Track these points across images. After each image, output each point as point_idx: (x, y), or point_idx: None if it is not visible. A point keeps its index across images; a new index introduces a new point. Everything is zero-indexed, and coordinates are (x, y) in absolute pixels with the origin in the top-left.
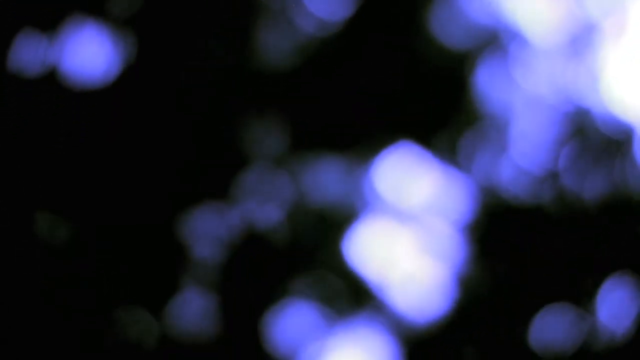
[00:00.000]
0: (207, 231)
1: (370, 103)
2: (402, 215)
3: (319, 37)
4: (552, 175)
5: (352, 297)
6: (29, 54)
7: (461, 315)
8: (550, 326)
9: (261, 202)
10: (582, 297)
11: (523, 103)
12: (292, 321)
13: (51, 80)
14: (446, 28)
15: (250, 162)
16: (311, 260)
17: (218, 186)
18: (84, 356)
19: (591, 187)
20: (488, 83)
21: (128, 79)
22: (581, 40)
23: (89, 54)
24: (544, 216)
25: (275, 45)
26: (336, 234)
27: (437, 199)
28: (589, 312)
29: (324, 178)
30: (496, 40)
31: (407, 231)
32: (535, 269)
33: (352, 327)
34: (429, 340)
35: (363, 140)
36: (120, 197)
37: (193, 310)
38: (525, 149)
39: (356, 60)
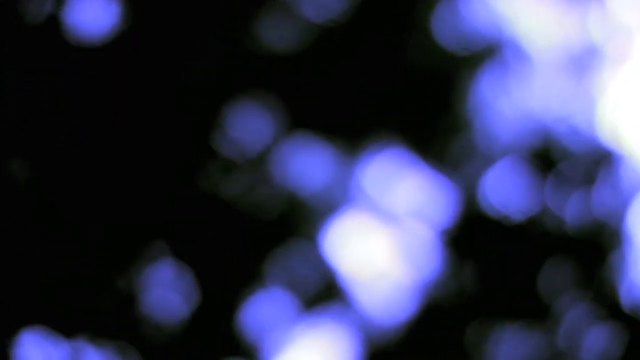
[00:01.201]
0: (188, 207)
1: (364, 98)
2: (382, 214)
3: (321, 27)
4: (532, 192)
5: (321, 289)
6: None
7: (426, 320)
8: (509, 341)
9: (245, 184)
10: (544, 314)
11: (514, 116)
12: (261, 305)
13: (53, 32)
14: (447, 32)
15: (239, 144)
16: (286, 245)
17: (202, 164)
18: (59, 320)
19: (568, 208)
20: (483, 92)
21: (128, 41)
22: (581, 60)
23: (93, 10)
24: (518, 230)
25: (276, 30)
26: (315, 222)
27: (419, 202)
28: (549, 330)
29: (311, 165)
30: (496, 50)
31: (385, 231)
32: (503, 282)
33: (318, 320)
34: (391, 342)
35: (354, 134)
36: (107, 161)
37: (165, 285)
38: (511, 162)
39: (354, 55)
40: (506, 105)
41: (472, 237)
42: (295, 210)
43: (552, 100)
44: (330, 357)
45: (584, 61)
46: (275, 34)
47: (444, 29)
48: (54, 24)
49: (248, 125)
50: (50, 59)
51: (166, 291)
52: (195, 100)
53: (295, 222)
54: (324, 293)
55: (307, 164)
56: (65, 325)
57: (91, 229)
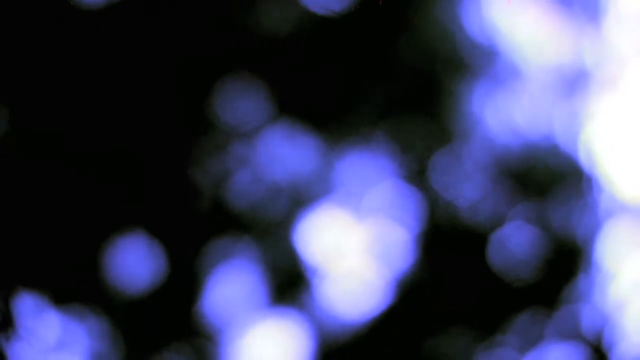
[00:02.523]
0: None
1: (352, 94)
2: (358, 210)
3: (320, 17)
4: (505, 203)
5: (288, 279)
6: None
7: (390, 319)
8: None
9: (227, 165)
10: (496, 323)
11: (497, 126)
12: (226, 288)
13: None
14: (443, 37)
15: (225, 125)
16: (259, 231)
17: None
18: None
19: (538, 222)
20: (470, 99)
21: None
22: (571, 81)
23: None
24: (485, 239)
25: (274, 16)
26: (291, 211)
27: (394, 202)
28: (501, 339)
29: (294, 154)
30: (488, 61)
31: (359, 227)
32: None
33: (281, 309)
34: (351, 338)
35: (338, 128)
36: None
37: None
38: (488, 172)
39: (348, 50)
40: (491, 115)
41: (441, 242)
42: (272, 197)
43: (537, 116)
44: (286, 348)
45: (574, 82)
46: (273, 20)
47: (440, 33)
48: None
49: (236, 106)
50: (52, 21)
51: (135, 262)
52: (187, 76)
53: (270, 209)
54: (290, 283)
55: (290, 151)
56: (31, 284)
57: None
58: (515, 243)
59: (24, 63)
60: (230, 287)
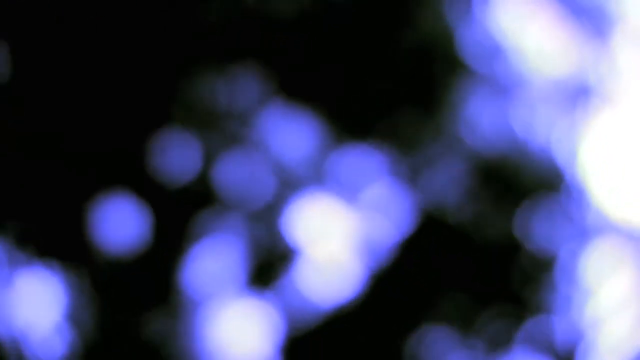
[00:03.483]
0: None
1: (352, 83)
2: (348, 200)
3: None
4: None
5: (269, 260)
6: None
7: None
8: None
9: (222, 142)
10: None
11: (491, 131)
12: (206, 263)
13: None
14: (447, 36)
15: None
16: (247, 208)
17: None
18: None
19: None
20: (468, 102)
21: None
22: (572, 94)
23: None
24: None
25: None
26: (281, 193)
27: (384, 197)
28: (472, 335)
29: (290, 136)
30: (490, 64)
31: (346, 217)
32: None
33: (258, 288)
34: (323, 324)
35: (338, 116)
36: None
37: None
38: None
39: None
40: (487, 119)
41: (425, 239)
42: (263, 177)
43: (532, 125)
44: (257, 327)
45: (574, 95)
46: (275, 2)
47: (442, 31)
48: None
49: (235, 85)
50: None
51: (120, 225)
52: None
53: (260, 189)
54: (270, 264)
55: (286, 135)
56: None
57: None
58: (494, 247)
59: None
60: (211, 261)
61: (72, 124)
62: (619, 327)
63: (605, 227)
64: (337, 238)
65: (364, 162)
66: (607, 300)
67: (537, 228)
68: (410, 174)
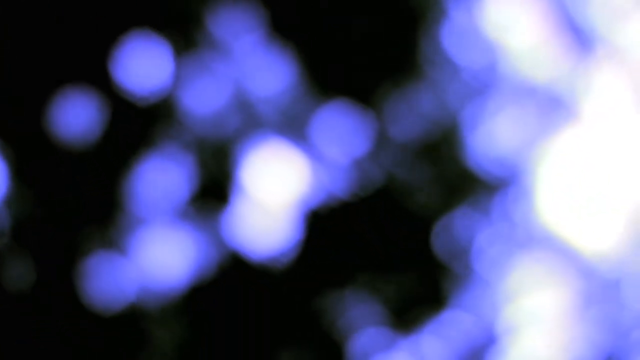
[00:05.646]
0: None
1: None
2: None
3: None
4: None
5: (213, 192)
6: None
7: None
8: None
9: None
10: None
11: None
12: (154, 178)
13: None
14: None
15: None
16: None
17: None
18: None
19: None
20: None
21: None
22: (547, 104)
23: None
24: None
25: None
26: (243, 131)
27: (342, 155)
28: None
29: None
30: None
31: (298, 164)
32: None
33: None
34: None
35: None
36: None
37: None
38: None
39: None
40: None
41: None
42: (230, 112)
43: (497, 127)
44: (188, 257)
45: (544, 102)
46: None
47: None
48: None
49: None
50: None
51: (78, 119)
52: None
53: (224, 123)
54: (213, 197)
55: (262, 71)
56: None
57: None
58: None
59: None
60: (156, 180)
61: (44, 20)
62: (535, 340)
63: (542, 239)
64: (285, 187)
65: (331, 117)
66: (527, 310)
67: (473, 223)
68: (373, 138)
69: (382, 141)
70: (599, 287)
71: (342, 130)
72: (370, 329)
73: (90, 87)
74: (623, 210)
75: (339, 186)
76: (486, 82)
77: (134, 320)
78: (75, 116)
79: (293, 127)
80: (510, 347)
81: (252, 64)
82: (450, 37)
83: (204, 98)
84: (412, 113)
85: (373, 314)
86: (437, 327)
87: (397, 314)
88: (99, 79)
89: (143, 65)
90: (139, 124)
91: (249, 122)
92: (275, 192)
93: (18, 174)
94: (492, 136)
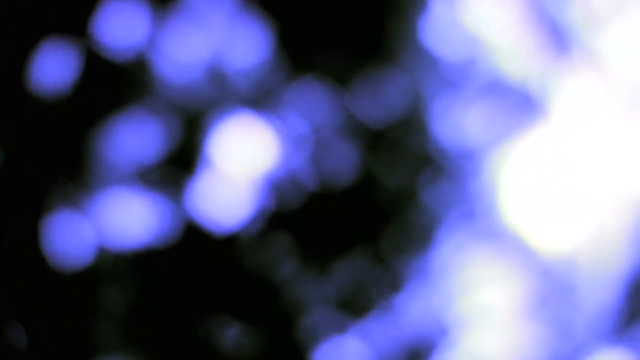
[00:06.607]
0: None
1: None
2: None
3: None
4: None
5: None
6: None
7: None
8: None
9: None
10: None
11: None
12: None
13: None
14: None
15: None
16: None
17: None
18: None
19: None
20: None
21: None
22: (516, 101)
23: None
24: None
25: None
26: (215, 102)
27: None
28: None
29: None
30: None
31: (267, 142)
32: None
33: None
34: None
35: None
36: None
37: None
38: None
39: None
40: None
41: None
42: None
43: (463, 120)
44: (150, 221)
45: (516, 100)
46: None
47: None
48: None
49: None
50: None
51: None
52: None
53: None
54: (178, 166)
55: (239, 42)
56: None
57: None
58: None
59: None
60: (124, 143)
61: None
62: (485, 335)
63: (500, 235)
64: (251, 160)
65: (302, 94)
66: (480, 305)
67: (431, 213)
68: (340, 117)
69: (348, 121)
70: (554, 288)
71: (312, 108)
72: (320, 309)
73: (69, 42)
74: (585, 213)
75: (304, 163)
76: (459, 74)
77: (87, 279)
78: (51, 69)
79: (264, 101)
80: (459, 340)
81: (228, 35)
82: (429, 27)
83: (179, 66)
84: (381, 97)
85: (324, 295)
86: (387, 314)
87: (348, 297)
88: (78, 35)
89: (121, 27)
90: (113, 84)
91: (221, 93)
92: (240, 165)
93: None
94: (459, 128)
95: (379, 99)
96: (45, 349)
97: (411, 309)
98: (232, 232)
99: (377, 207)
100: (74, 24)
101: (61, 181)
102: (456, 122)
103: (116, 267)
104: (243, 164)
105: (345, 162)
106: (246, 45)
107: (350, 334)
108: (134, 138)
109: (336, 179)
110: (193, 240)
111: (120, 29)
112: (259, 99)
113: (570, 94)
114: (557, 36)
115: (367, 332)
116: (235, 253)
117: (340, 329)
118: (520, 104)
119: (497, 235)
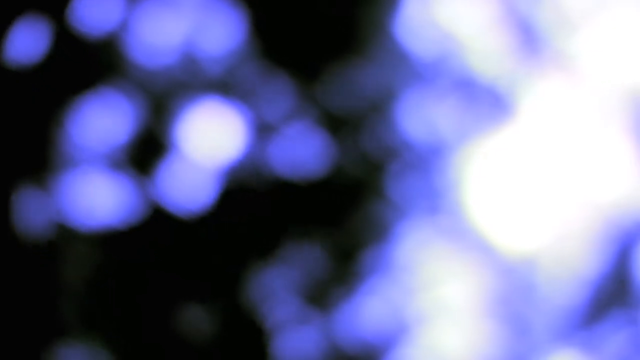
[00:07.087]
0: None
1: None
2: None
3: None
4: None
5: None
6: None
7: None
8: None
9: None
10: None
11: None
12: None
13: None
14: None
15: None
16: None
17: None
18: None
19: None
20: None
21: None
22: (486, 100)
23: None
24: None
25: None
26: (186, 86)
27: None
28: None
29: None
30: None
31: (234, 130)
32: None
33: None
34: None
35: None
36: None
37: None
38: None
39: None
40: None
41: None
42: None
43: (433, 118)
44: (120, 205)
45: (486, 98)
46: None
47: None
48: None
49: None
50: None
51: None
52: None
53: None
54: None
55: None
56: None
57: None
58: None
59: None
60: (93, 123)
61: None
62: (444, 331)
63: (463, 232)
64: (216, 146)
65: (272, 83)
66: (440, 301)
67: (393, 207)
68: (306, 107)
69: (316, 111)
70: (514, 287)
71: (280, 96)
72: (279, 299)
73: (42, 19)
74: (548, 215)
75: (270, 151)
76: (430, 70)
77: (49, 256)
78: (23, 45)
79: (233, 88)
80: (418, 336)
81: (201, 21)
82: (401, 22)
83: (151, 49)
84: (350, 88)
85: (283, 284)
86: (349, 307)
87: (308, 288)
88: (52, 13)
89: (96, 7)
90: (84, 64)
91: (192, 78)
92: (206, 150)
93: None
94: (427, 123)
95: (349, 90)
96: (6, 324)
97: (371, 303)
98: (196, 215)
99: (340, 198)
100: (49, 2)
101: (28, 159)
102: (425, 117)
103: (79, 245)
104: (209, 149)
105: (311, 152)
106: (219, 32)
107: (309, 326)
108: (103, 118)
109: (301, 169)
110: (158, 222)
111: (94, 10)
112: (229, 85)
113: (540, 95)
114: (529, 37)
115: (325, 324)
116: (199, 236)
117: (300, 320)
118: (490, 103)
119: (460, 232)
